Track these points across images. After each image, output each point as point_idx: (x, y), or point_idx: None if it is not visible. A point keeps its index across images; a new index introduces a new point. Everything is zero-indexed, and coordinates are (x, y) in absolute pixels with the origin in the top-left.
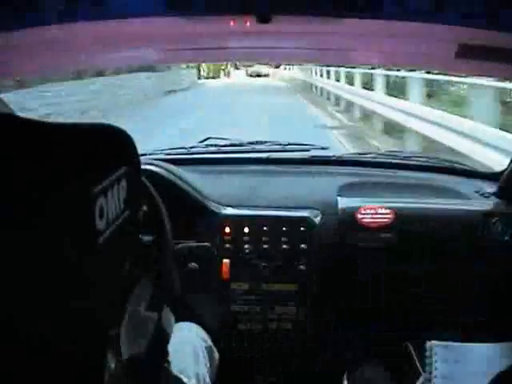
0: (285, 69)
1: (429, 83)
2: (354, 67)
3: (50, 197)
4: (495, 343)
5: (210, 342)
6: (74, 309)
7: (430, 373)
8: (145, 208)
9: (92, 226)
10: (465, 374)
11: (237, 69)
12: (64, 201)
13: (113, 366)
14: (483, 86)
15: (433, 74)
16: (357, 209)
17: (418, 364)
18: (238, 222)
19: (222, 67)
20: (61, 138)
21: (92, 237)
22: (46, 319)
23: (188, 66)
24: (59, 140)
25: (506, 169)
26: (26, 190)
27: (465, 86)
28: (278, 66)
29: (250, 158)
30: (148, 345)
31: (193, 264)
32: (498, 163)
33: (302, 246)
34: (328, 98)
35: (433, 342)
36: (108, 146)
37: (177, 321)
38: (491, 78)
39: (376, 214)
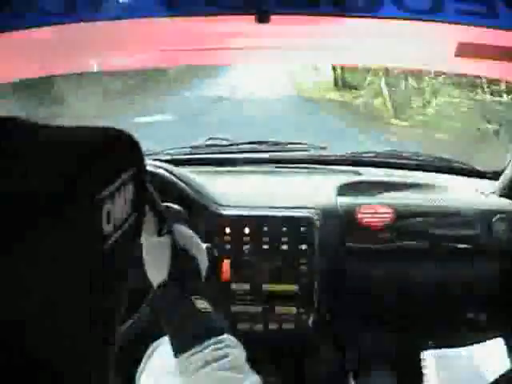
0: None
1: None
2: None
3: (55, 202)
4: (485, 343)
5: None
6: (76, 313)
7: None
8: (147, 209)
9: (99, 231)
10: (462, 380)
11: None
12: (70, 206)
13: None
14: None
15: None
16: (357, 208)
17: (419, 365)
18: (238, 222)
19: None
20: (64, 140)
21: (99, 242)
22: (47, 322)
23: None
24: (63, 143)
25: (506, 168)
26: (29, 193)
27: None
28: None
29: (250, 158)
30: None
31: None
32: None
33: (302, 246)
34: None
35: (428, 351)
36: (114, 149)
37: None
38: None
39: (376, 213)
